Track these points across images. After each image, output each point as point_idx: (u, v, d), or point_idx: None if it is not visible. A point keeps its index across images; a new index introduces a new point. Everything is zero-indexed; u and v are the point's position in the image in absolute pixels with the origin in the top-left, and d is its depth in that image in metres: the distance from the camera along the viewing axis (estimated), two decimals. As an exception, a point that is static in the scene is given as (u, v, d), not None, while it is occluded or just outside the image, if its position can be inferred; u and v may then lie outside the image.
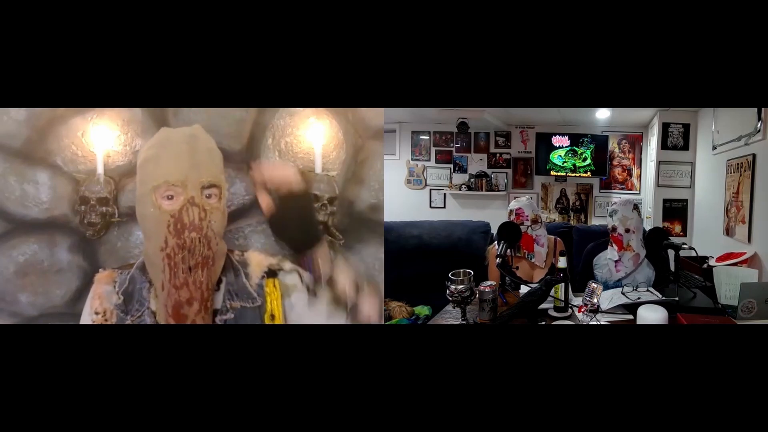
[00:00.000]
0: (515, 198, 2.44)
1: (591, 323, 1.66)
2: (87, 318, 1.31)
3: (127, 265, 1.37)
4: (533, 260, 2.30)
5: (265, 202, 1.35)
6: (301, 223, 1.36)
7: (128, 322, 1.28)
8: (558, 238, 2.41)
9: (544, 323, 1.78)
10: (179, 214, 1.22)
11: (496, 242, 2.26)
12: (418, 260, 2.79)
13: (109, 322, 1.28)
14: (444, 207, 5.73)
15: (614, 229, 2.17)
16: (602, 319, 1.74)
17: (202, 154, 1.27)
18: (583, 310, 1.68)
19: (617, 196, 5.11)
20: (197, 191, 1.24)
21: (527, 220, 2.27)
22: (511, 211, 2.32)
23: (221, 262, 1.30)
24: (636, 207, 2.21)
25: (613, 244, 2.19)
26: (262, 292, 1.32)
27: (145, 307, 1.28)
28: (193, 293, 1.23)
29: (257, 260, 1.36)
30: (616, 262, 2.17)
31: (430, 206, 5.74)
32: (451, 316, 1.88)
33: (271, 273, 1.35)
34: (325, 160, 1.67)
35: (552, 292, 1.81)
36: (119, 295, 1.29)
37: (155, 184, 1.23)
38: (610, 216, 2.21)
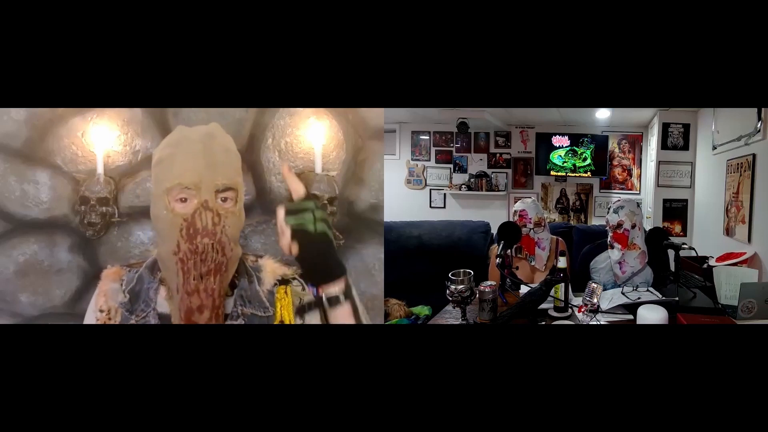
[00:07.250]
0: (521, 199, 2.38)
1: (591, 323, 1.66)
2: (91, 315, 1.28)
3: (137, 262, 1.34)
4: (533, 263, 2.29)
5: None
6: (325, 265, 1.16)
7: (132, 322, 1.25)
8: (560, 239, 2.38)
9: (544, 323, 1.78)
10: (192, 219, 1.17)
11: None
12: (418, 260, 2.79)
13: (113, 321, 1.25)
14: (444, 207, 5.72)
15: (620, 225, 2.06)
16: (602, 319, 1.74)
17: (219, 154, 1.21)
18: (583, 310, 1.68)
19: (617, 196, 5.11)
20: (211, 195, 1.18)
21: (530, 222, 2.24)
22: (515, 212, 2.29)
23: (234, 267, 1.25)
24: (638, 206, 2.18)
25: (615, 244, 2.09)
26: (273, 299, 1.28)
27: (150, 308, 1.25)
28: (204, 301, 1.18)
29: (271, 268, 1.32)
30: (620, 263, 2.07)
31: (430, 206, 5.74)
32: (451, 316, 1.88)
33: (284, 281, 1.30)
34: (325, 160, 1.67)
35: (552, 292, 1.81)
36: (125, 294, 1.26)
37: (168, 185, 1.18)
38: (615, 212, 2.09)
